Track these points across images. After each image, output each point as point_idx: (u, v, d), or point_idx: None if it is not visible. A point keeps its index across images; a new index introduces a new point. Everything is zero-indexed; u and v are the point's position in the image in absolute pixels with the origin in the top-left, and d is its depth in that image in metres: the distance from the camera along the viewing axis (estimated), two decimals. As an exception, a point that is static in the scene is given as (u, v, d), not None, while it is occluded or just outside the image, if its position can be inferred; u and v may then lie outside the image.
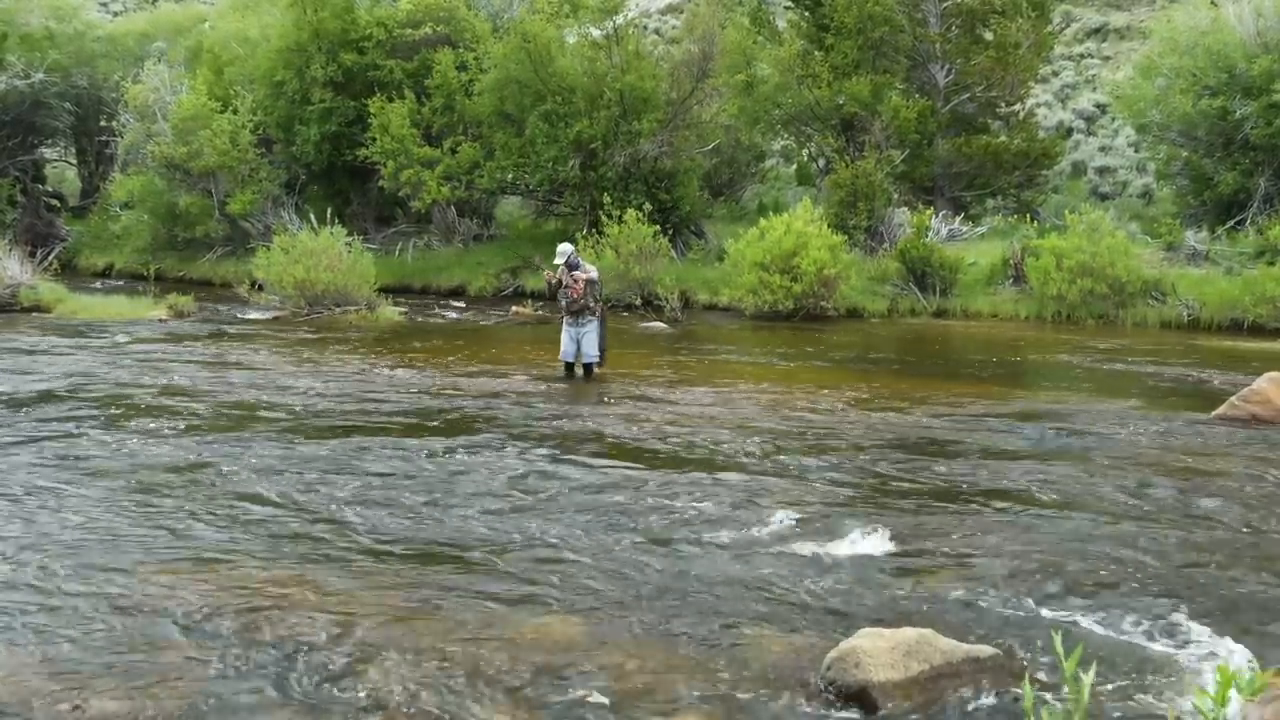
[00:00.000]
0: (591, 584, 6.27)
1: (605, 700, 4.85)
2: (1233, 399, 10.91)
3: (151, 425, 10.25)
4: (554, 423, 10.66)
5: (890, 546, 6.94)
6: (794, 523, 7.38)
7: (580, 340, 12.92)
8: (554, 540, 7.04)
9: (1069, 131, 31.63)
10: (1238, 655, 5.28)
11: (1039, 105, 31.39)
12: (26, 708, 4.73)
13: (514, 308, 21.30)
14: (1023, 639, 5.50)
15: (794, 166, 30.65)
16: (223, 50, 28.65)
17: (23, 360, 14.17)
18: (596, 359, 13.03)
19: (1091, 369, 14.42)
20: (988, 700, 4.86)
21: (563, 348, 13.08)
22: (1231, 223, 22.02)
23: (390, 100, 24.96)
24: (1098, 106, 32.53)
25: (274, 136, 26.85)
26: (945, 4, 24.24)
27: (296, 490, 8.13)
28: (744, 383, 13.10)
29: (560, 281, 12.84)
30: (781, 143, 29.82)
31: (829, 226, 20.54)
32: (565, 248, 13.02)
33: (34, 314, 19.70)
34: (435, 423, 10.57)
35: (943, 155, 24.65)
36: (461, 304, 23.18)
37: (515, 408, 11.39)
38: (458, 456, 9.18)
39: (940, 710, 4.77)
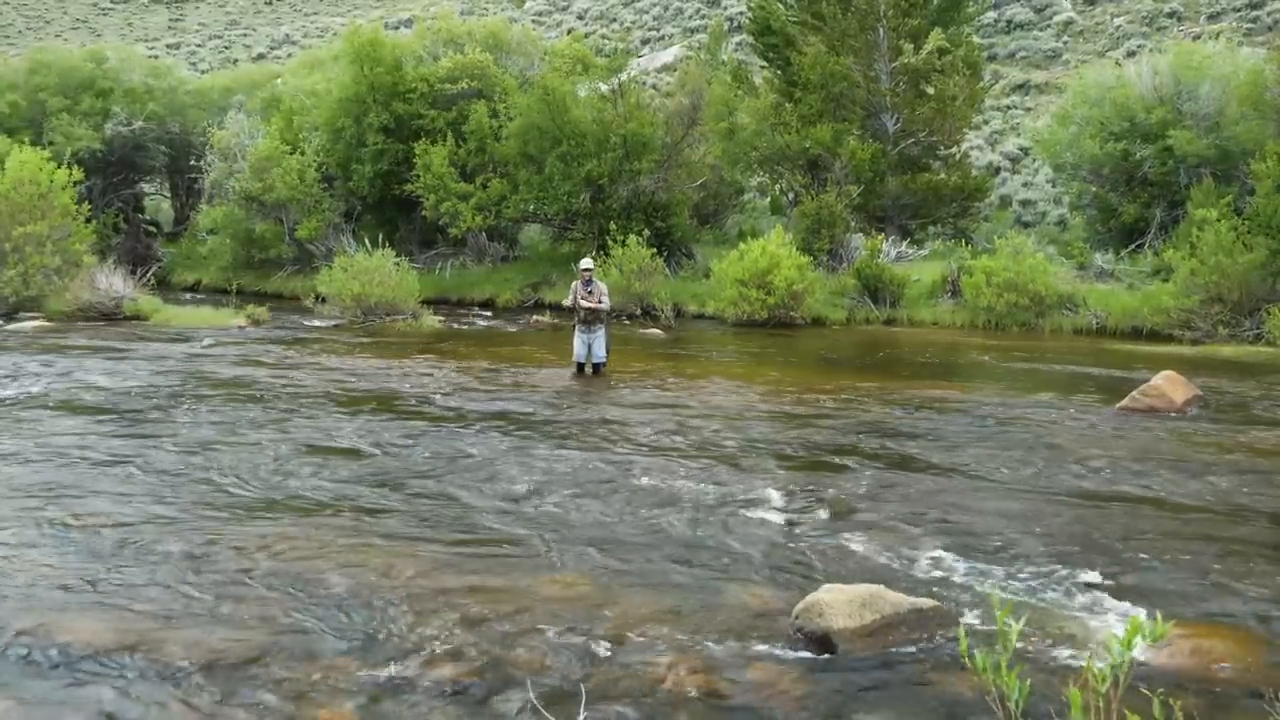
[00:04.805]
0: (595, 548, 6.25)
1: (609, 644, 4.83)
2: (1134, 393, 10.89)
3: (242, 405, 10.24)
4: (567, 412, 10.64)
5: (845, 514, 6.92)
6: (764, 493, 7.36)
7: (591, 344, 12.90)
8: (564, 510, 7.02)
9: (997, 170, 31.55)
10: (1143, 607, 5.27)
11: (972, 148, 31.28)
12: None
13: (534, 317, 21.25)
14: (958, 594, 5.48)
15: (768, 199, 30.56)
16: (292, 101, 28.56)
17: (135, 359, 14.14)
18: (604, 359, 13.02)
19: (1016, 368, 14.38)
20: (929, 644, 4.85)
21: (575, 351, 13.05)
22: (1132, 246, 21.98)
23: (432, 143, 24.91)
24: (1021, 149, 32.44)
25: (335, 174, 26.76)
26: (894, 64, 24.14)
27: (368, 465, 8.11)
28: (725, 378, 13.08)
29: (579, 298, 12.77)
30: (757, 179, 29.70)
31: (797, 249, 20.49)
32: (587, 262, 13.07)
33: (134, 321, 19.68)
34: (470, 411, 10.54)
35: (892, 190, 24.58)
36: (491, 314, 23.14)
37: (537, 400, 11.36)
38: (489, 439, 9.16)
39: (890, 652, 4.76)
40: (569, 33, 40.29)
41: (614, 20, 53.35)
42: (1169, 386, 10.84)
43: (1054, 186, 28.43)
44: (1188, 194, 20.40)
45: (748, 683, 4.49)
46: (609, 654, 4.74)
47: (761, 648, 4.82)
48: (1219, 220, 17.13)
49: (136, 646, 4.74)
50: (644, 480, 7.78)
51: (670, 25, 50.90)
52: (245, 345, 16.18)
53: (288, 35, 64.29)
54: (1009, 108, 36.35)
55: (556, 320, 19.83)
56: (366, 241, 22.16)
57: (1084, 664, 3.45)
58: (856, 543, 6.35)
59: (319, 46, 43.87)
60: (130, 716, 4.19)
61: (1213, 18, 37.21)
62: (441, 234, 26.10)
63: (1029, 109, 35.72)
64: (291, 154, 26.08)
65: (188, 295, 27.00)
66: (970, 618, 5.13)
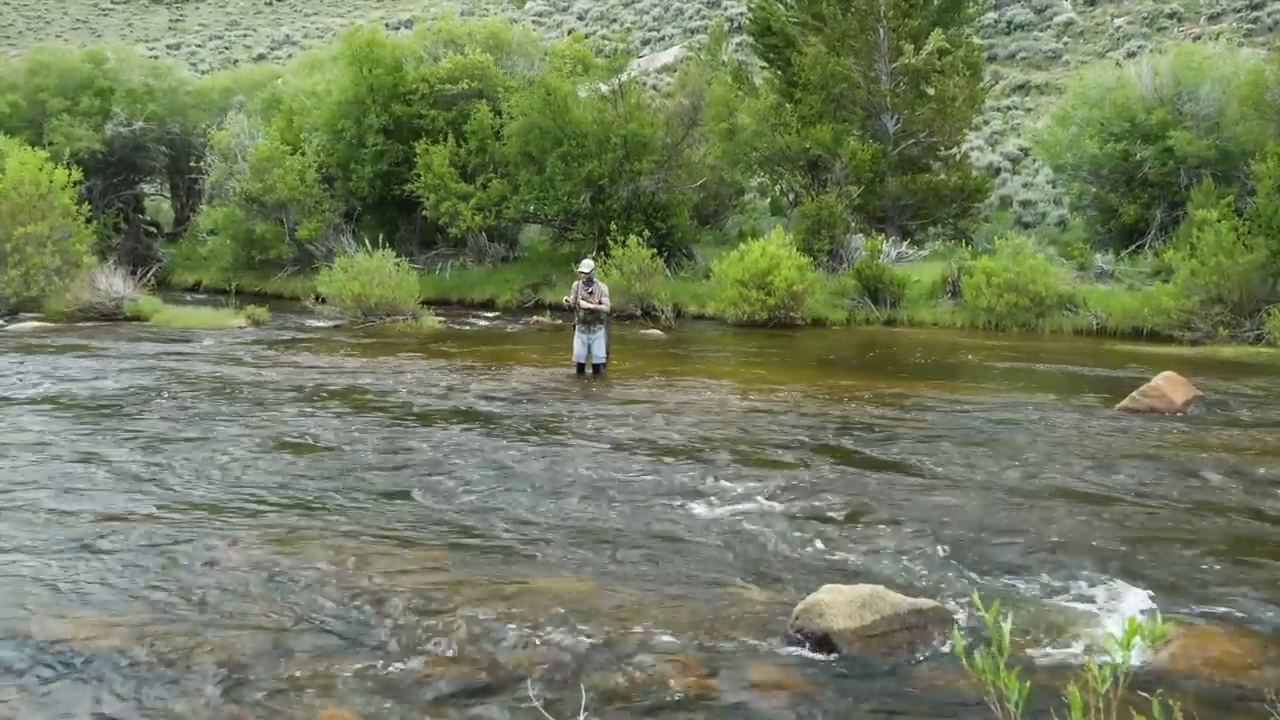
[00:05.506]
0: (594, 549, 6.25)
1: (609, 644, 4.84)
2: (1134, 393, 10.89)
3: (239, 406, 10.25)
4: (565, 413, 10.64)
5: (846, 515, 6.92)
6: (763, 494, 7.36)
7: (590, 345, 12.89)
8: (562, 510, 7.03)
9: (997, 171, 31.53)
10: (1143, 608, 5.28)
11: (972, 149, 31.26)
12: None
13: (534, 318, 21.25)
14: (958, 594, 5.49)
15: (768, 200, 30.55)
16: (293, 102, 28.57)
17: (134, 360, 14.15)
18: (603, 360, 13.02)
19: (1015, 368, 14.38)
20: (930, 644, 4.85)
21: (575, 351, 13.04)
22: (1133, 247, 21.98)
23: (434, 143, 24.93)
24: (1021, 150, 32.42)
25: (335, 174, 26.76)
26: (894, 64, 24.14)
27: (362, 467, 8.12)
28: (724, 379, 13.07)
29: (579, 299, 12.75)
30: (758, 180, 29.68)
31: (797, 250, 20.50)
32: (587, 264, 13.04)
33: (135, 322, 19.70)
34: (468, 412, 10.55)
35: (892, 190, 24.58)
36: (491, 314, 23.15)
37: (536, 401, 11.36)
38: (488, 439, 9.16)
39: (890, 653, 4.77)
40: (569, 33, 40.28)
41: (614, 21, 53.37)
42: (1169, 387, 10.84)
43: (1054, 187, 28.41)
44: (1188, 195, 20.40)
45: (748, 683, 4.50)
46: (609, 654, 4.74)
47: (762, 648, 4.82)
48: (1219, 221, 17.13)
49: (132, 646, 4.74)
50: (642, 480, 7.78)
51: (670, 26, 50.91)
52: (245, 346, 16.19)
53: (288, 36, 64.30)
54: (1009, 108, 36.34)
55: (557, 320, 19.84)
56: (366, 242, 22.16)
57: (1084, 664, 3.45)
58: (855, 543, 6.35)
59: (319, 47, 43.86)
60: (126, 717, 4.19)
61: (1213, 18, 37.21)
62: (441, 234, 26.10)
63: (1029, 110, 35.71)
64: (292, 154, 26.09)
65: (188, 296, 27.00)
66: (969, 618, 5.13)
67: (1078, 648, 4.82)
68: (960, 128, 25.15)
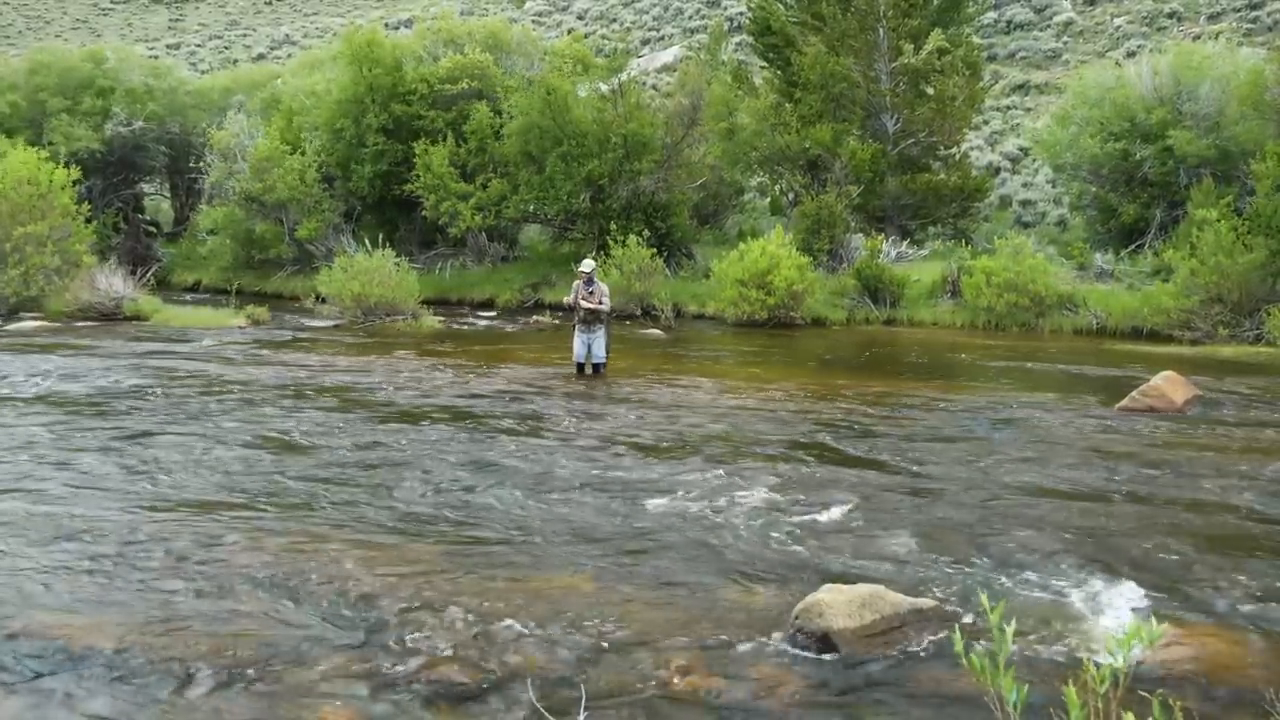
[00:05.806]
0: (591, 547, 6.25)
1: (609, 643, 4.84)
2: (1133, 393, 10.89)
3: (236, 405, 10.24)
4: (565, 412, 10.64)
5: (845, 515, 6.92)
6: (762, 494, 7.36)
7: (590, 345, 12.89)
8: (562, 509, 7.03)
9: (997, 170, 31.53)
10: (1141, 607, 5.27)
11: (972, 148, 31.24)
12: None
13: (534, 317, 21.25)
14: (958, 593, 5.48)
15: (768, 199, 30.53)
16: (292, 102, 28.56)
17: (133, 360, 14.14)
18: (603, 360, 13.02)
19: (1015, 368, 14.37)
20: (929, 644, 4.85)
21: (575, 351, 13.04)
22: (1132, 247, 21.99)
23: (433, 143, 24.92)
24: (1021, 149, 32.43)
25: (335, 174, 26.74)
26: (894, 64, 24.15)
27: (374, 466, 8.11)
28: (724, 378, 13.07)
29: (579, 299, 12.75)
30: (757, 179, 29.65)
31: (797, 249, 20.50)
32: (588, 264, 13.04)
33: (134, 321, 19.69)
34: (467, 411, 10.54)
35: (892, 190, 24.58)
36: (490, 314, 23.14)
37: (536, 400, 11.36)
38: (486, 439, 9.16)
39: (890, 652, 4.76)
40: (569, 33, 40.26)
41: (614, 20, 53.36)
42: (1169, 387, 10.84)
43: (1054, 187, 28.42)
44: (1188, 194, 20.40)
45: (748, 682, 4.49)
46: (607, 652, 4.74)
47: (761, 647, 4.82)
48: (1219, 220, 17.12)
49: (126, 646, 4.74)
50: (642, 479, 7.78)
51: (670, 25, 50.90)
52: (244, 346, 16.18)
53: (288, 35, 64.28)
54: (1009, 108, 36.34)
55: (556, 320, 19.82)
56: (366, 242, 22.16)
57: (1082, 663, 3.46)
58: (853, 541, 6.35)
59: (319, 47, 43.86)
60: (120, 718, 4.19)
61: (1213, 18, 37.21)
62: (441, 234, 26.09)
63: (1029, 109, 35.70)
64: (291, 154, 26.08)
65: (188, 295, 26.98)
66: (970, 617, 5.13)
67: (1077, 647, 4.82)
68: (960, 127, 25.15)
